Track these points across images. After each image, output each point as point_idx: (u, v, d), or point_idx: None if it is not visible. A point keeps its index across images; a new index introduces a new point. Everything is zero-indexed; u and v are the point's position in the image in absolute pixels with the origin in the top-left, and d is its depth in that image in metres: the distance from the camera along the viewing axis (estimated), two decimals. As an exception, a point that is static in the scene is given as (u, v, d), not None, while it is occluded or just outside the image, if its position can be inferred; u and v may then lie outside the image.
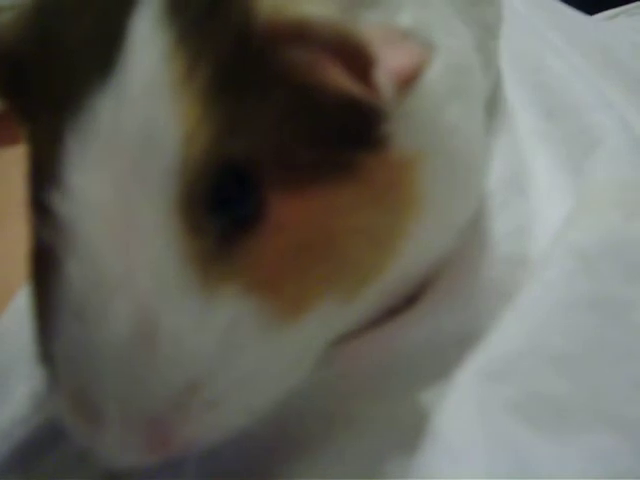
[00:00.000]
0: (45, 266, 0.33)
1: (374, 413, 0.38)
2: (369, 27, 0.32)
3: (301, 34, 0.32)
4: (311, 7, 0.32)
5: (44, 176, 0.32)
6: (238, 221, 0.32)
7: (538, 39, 0.59)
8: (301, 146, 0.33)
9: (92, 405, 0.32)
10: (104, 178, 0.31)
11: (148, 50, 0.31)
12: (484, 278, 0.42)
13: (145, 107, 0.31)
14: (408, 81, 0.32)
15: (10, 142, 0.55)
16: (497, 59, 0.50)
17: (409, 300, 0.42)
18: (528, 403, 0.34)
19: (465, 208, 0.42)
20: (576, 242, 0.39)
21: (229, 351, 0.32)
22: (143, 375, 0.31)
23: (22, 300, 0.43)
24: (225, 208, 0.32)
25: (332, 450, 0.37)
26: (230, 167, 0.32)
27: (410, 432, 0.36)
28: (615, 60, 0.56)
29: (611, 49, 0.58)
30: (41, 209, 0.32)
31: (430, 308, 0.41)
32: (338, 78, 0.33)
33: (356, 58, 0.32)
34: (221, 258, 0.32)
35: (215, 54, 0.32)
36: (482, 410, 0.34)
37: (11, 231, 0.40)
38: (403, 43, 0.33)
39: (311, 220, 0.34)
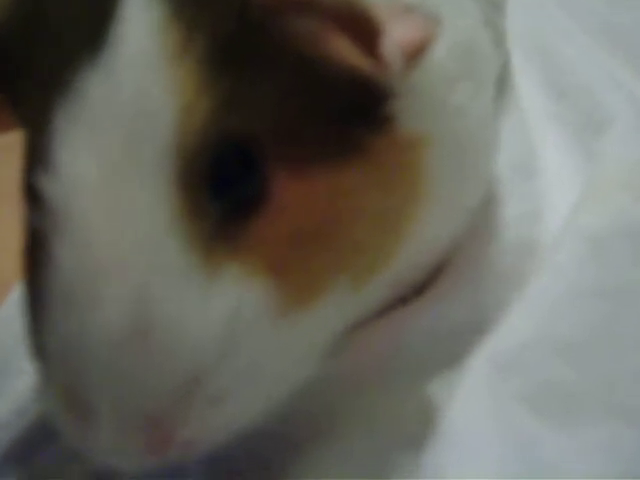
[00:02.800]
0: (37, 254, 0.31)
1: (382, 407, 0.37)
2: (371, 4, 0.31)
3: (305, 3, 0.31)
4: None
5: (35, 159, 0.31)
6: (240, 200, 0.31)
7: (544, 18, 0.59)
8: (305, 122, 0.32)
9: (84, 402, 0.30)
10: (95, 155, 0.30)
11: (141, 21, 0.30)
12: (493, 265, 0.41)
13: (138, 80, 0.30)
14: (414, 54, 0.31)
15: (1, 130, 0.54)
16: (505, 37, 0.49)
17: (419, 289, 0.41)
18: (537, 394, 0.34)
19: (474, 191, 0.41)
20: (586, 226, 0.39)
21: (233, 340, 0.30)
22: (139, 369, 0.29)
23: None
24: (226, 186, 0.31)
25: (340, 446, 0.36)
26: (231, 142, 0.31)
27: (419, 426, 0.35)
28: (624, 39, 0.55)
29: (619, 28, 0.57)
30: (32, 194, 0.31)
31: (439, 297, 0.40)
32: (343, 50, 0.31)
33: (362, 29, 0.31)
34: (223, 239, 0.31)
35: (213, 25, 0.31)
36: (492, 401, 0.34)
37: (8, 219, 0.40)
38: (408, 16, 0.31)
39: (316, 201, 0.33)
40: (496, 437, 0.33)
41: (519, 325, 0.36)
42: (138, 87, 0.30)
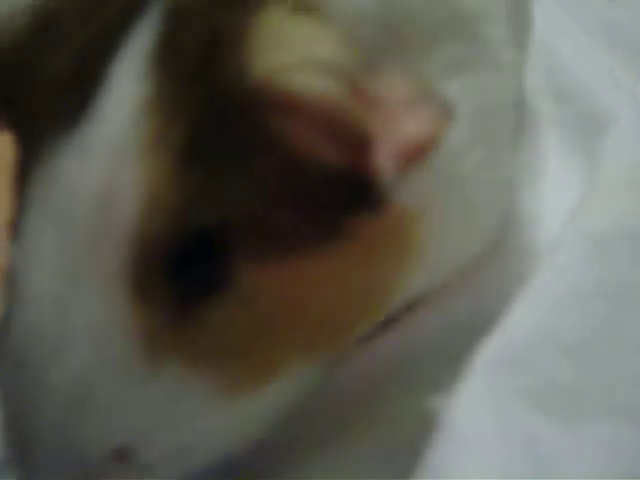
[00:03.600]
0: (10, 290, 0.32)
1: (385, 412, 0.37)
2: (384, 87, 0.30)
3: (291, 107, 0.30)
4: (308, 78, 0.29)
5: (17, 202, 0.32)
6: (199, 288, 0.31)
7: (542, 16, 0.59)
8: (283, 214, 0.31)
9: (27, 450, 0.31)
10: (56, 235, 0.30)
11: (124, 101, 0.30)
12: (496, 268, 0.41)
13: (109, 164, 0.30)
14: (418, 153, 0.30)
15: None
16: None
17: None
18: (541, 391, 0.34)
19: (472, 247, 0.40)
20: (588, 226, 0.39)
21: (169, 421, 0.31)
22: (72, 437, 0.30)
23: None
24: (184, 273, 0.30)
25: (341, 452, 0.36)
26: (196, 235, 0.30)
27: (423, 428, 0.35)
28: (624, 38, 0.55)
29: (619, 27, 0.57)
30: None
31: (443, 305, 0.41)
32: (330, 155, 0.30)
33: (352, 137, 0.30)
34: (174, 327, 0.30)
35: (194, 116, 0.30)
36: (496, 399, 0.34)
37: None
38: (419, 107, 0.30)
39: (287, 289, 0.32)
40: (499, 436, 0.33)
41: (522, 324, 0.36)
42: (108, 172, 0.30)
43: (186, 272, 0.30)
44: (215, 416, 0.31)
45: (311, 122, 0.30)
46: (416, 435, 0.35)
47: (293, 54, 0.30)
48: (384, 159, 0.29)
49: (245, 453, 0.33)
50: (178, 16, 0.31)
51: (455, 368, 0.36)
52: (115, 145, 0.30)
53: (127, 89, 0.30)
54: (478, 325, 0.38)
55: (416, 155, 0.30)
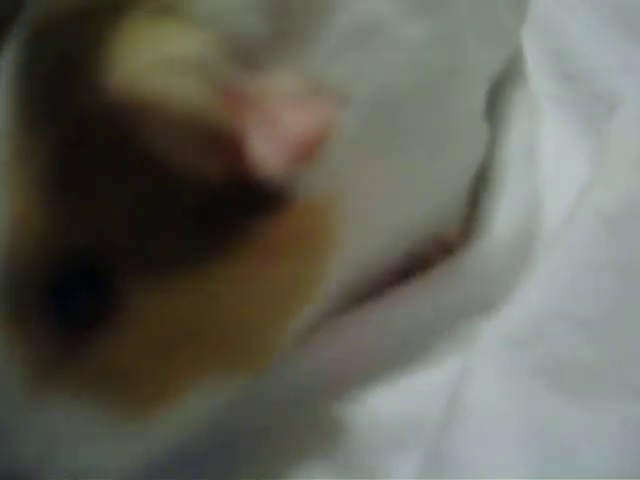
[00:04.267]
0: None
1: (304, 422, 0.36)
2: (263, 83, 0.29)
3: (151, 113, 0.28)
4: (166, 80, 0.28)
5: None
6: (84, 316, 0.29)
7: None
8: (166, 231, 0.29)
9: None
10: None
11: None
12: (493, 253, 0.40)
13: None
14: (311, 146, 0.28)
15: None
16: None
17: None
18: (555, 369, 0.34)
19: (430, 211, 0.38)
20: (597, 205, 0.39)
21: (62, 447, 0.30)
22: None
23: None
24: (66, 302, 0.29)
25: (267, 465, 0.35)
26: (72, 257, 0.29)
27: (338, 436, 0.35)
28: (634, 19, 0.55)
29: (630, 7, 0.56)
30: None
31: (427, 286, 0.39)
32: (204, 161, 0.29)
33: (222, 139, 0.28)
34: (60, 355, 0.29)
35: (56, 136, 0.28)
36: (509, 377, 0.34)
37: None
38: (305, 100, 0.29)
39: (184, 307, 0.30)
40: (513, 415, 0.33)
41: (535, 300, 0.36)
42: None
43: (68, 300, 0.29)
44: (116, 439, 0.30)
45: (175, 127, 0.28)
46: (332, 444, 0.35)
47: (150, 58, 0.28)
48: (266, 157, 0.27)
49: (168, 466, 0.33)
50: (37, 39, 0.30)
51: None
52: None
53: None
54: (479, 308, 0.38)
55: (309, 148, 0.28)
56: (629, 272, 0.37)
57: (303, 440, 0.36)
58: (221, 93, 0.28)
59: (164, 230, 0.29)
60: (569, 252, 0.38)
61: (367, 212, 0.34)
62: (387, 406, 0.37)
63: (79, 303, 0.29)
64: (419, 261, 0.40)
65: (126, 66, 0.28)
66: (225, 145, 0.28)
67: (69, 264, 0.29)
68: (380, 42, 0.34)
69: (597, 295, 0.36)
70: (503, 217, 0.41)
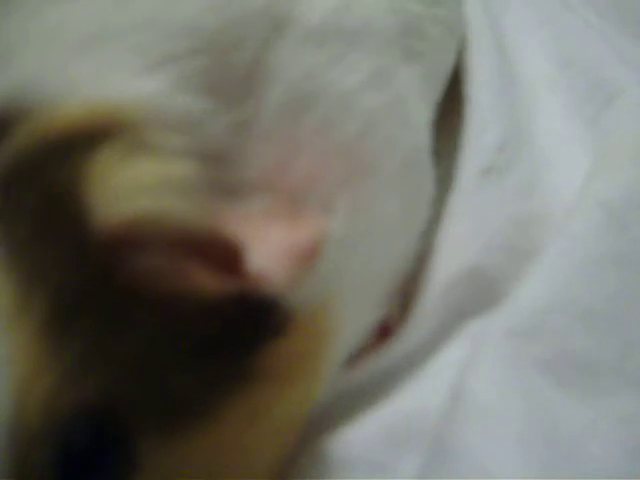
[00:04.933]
0: None
1: None
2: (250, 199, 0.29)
3: (139, 236, 0.27)
4: (162, 202, 0.28)
5: None
6: None
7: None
8: (177, 373, 0.28)
9: None
10: None
11: None
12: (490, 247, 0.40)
13: None
14: (306, 257, 0.28)
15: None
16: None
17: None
18: (558, 362, 0.34)
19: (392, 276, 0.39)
20: (600, 195, 0.38)
21: None
22: None
23: None
24: (81, 470, 0.27)
25: None
26: (82, 418, 0.27)
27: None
28: (634, 17, 0.55)
29: (630, 5, 0.56)
30: None
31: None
32: (202, 278, 0.28)
33: (216, 250, 0.28)
34: None
35: (51, 280, 0.27)
36: (512, 369, 0.33)
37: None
38: (294, 217, 0.29)
39: (201, 457, 0.29)
40: (516, 408, 0.32)
41: (538, 292, 0.36)
42: None
43: (81, 470, 0.27)
44: None
45: (173, 248, 0.28)
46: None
47: (134, 188, 0.28)
48: (266, 269, 0.28)
49: None
50: (12, 179, 0.29)
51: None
52: None
53: None
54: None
55: (306, 257, 0.28)
56: (632, 264, 0.36)
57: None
58: (210, 211, 0.28)
59: (174, 373, 0.28)
60: (572, 244, 0.37)
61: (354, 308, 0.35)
62: (388, 402, 0.36)
63: (93, 469, 0.27)
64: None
65: (111, 201, 0.27)
66: (223, 260, 0.28)
67: (80, 426, 0.27)
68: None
69: (600, 287, 0.35)
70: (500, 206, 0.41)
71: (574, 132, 0.45)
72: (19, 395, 0.26)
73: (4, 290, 0.27)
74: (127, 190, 0.27)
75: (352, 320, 0.35)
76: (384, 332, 0.40)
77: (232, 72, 0.32)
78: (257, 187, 0.31)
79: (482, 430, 0.32)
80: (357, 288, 0.36)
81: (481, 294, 0.38)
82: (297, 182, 0.33)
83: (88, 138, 0.29)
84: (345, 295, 0.34)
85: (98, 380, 0.27)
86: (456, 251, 0.40)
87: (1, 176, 0.29)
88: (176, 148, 0.29)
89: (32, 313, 0.26)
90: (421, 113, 0.40)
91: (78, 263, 0.27)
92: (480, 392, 0.33)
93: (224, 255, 0.28)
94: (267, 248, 0.28)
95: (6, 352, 0.26)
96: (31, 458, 0.26)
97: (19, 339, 0.26)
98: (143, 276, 0.27)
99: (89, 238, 0.27)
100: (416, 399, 0.36)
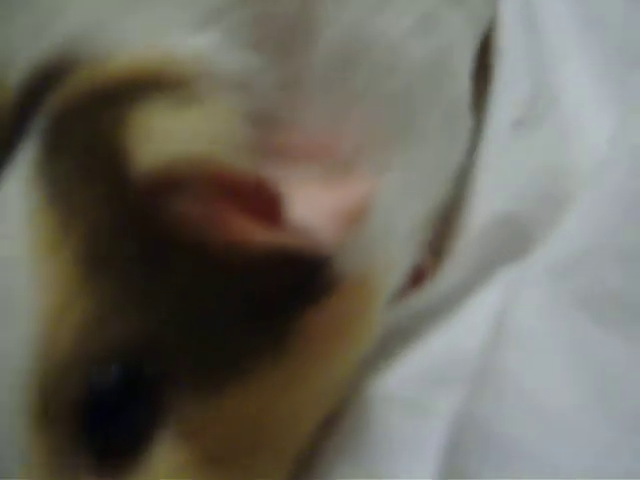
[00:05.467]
0: None
1: None
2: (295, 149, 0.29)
3: (178, 180, 0.27)
4: (207, 151, 0.27)
5: None
6: (119, 437, 0.27)
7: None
8: (214, 326, 0.28)
9: None
10: None
11: (10, 212, 0.28)
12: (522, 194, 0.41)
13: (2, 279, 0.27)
14: (353, 218, 0.28)
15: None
16: None
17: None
18: (597, 299, 0.34)
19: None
20: (631, 143, 0.38)
21: None
22: None
23: None
24: (100, 421, 0.27)
25: None
26: (111, 361, 0.27)
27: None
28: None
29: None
30: None
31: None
32: (244, 228, 0.28)
33: (259, 201, 0.27)
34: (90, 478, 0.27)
35: (88, 220, 0.27)
36: (554, 304, 0.34)
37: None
38: (343, 177, 0.29)
39: (231, 423, 0.28)
40: (558, 342, 0.33)
41: (574, 235, 0.36)
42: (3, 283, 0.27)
43: (106, 417, 0.27)
44: None
45: (215, 197, 0.27)
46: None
47: (178, 137, 0.28)
48: (313, 226, 0.27)
49: None
50: (60, 124, 0.29)
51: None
52: (7, 255, 0.27)
53: (15, 200, 0.28)
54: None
55: (353, 217, 0.28)
56: None
57: None
58: (255, 164, 0.28)
59: (213, 325, 0.28)
60: (605, 190, 0.37)
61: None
62: (426, 343, 0.37)
63: (116, 419, 0.27)
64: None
65: (154, 146, 0.27)
66: (267, 213, 0.27)
67: (107, 366, 0.27)
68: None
69: (635, 230, 0.36)
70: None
71: (602, 90, 0.46)
72: (49, 326, 0.26)
73: (43, 223, 0.27)
74: (170, 137, 0.28)
75: (395, 276, 0.35)
76: (418, 277, 0.40)
77: (278, 25, 0.32)
78: (304, 148, 0.30)
79: (527, 359, 0.32)
80: (400, 243, 0.35)
81: (514, 241, 0.39)
82: (345, 142, 0.32)
83: (136, 88, 0.29)
84: (390, 254, 0.34)
85: (131, 323, 0.27)
86: (489, 198, 0.40)
87: (52, 119, 0.29)
88: (224, 105, 0.29)
89: (68, 248, 0.27)
90: (465, 62, 0.40)
91: (117, 204, 0.27)
92: (523, 325, 0.33)
93: (268, 207, 0.27)
94: (314, 206, 0.27)
95: (40, 282, 0.26)
96: (58, 393, 0.26)
97: (53, 271, 0.27)
98: (183, 221, 0.27)
99: (129, 181, 0.27)
100: (453, 339, 0.37)
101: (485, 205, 0.40)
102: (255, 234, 0.27)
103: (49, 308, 0.26)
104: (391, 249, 0.34)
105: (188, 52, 0.30)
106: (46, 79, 0.30)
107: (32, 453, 0.26)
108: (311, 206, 0.27)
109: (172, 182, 0.27)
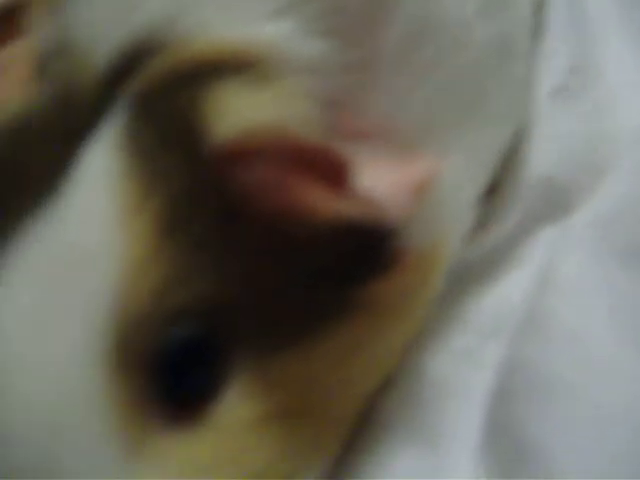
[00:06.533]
0: None
1: None
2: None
3: (252, 151, 0.28)
4: (269, 118, 0.29)
5: None
6: (189, 389, 0.28)
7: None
8: (282, 291, 0.29)
9: None
10: (31, 307, 0.28)
11: (95, 175, 0.29)
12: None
13: (84, 234, 0.28)
14: (420, 191, 0.29)
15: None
16: None
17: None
18: (632, 253, 0.36)
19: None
20: None
21: None
22: None
23: None
24: (172, 372, 0.28)
25: None
26: (182, 319, 0.28)
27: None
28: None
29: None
30: None
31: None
32: (313, 197, 0.29)
33: (330, 170, 0.28)
34: (161, 430, 0.28)
35: (168, 186, 0.29)
36: (594, 259, 0.36)
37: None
38: (409, 157, 0.30)
39: (293, 383, 0.29)
40: (604, 288, 0.35)
41: (614, 195, 0.39)
42: (84, 245, 0.28)
43: (175, 373, 0.28)
44: None
45: (286, 166, 0.28)
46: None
47: (256, 111, 0.29)
48: (380, 200, 0.28)
49: None
50: (144, 99, 0.31)
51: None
52: (89, 214, 0.29)
53: (102, 164, 0.29)
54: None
55: (418, 191, 0.29)
56: None
57: None
58: (325, 139, 0.29)
59: (280, 291, 0.29)
60: None
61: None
62: (471, 297, 0.39)
63: (184, 374, 0.28)
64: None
65: (229, 120, 0.29)
66: (336, 183, 0.28)
67: (180, 328, 0.28)
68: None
69: None
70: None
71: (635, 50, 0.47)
72: (129, 280, 0.28)
73: (127, 186, 0.29)
74: (244, 112, 0.29)
75: (454, 249, 0.36)
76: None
77: (349, 14, 0.33)
78: (371, 130, 0.32)
79: (571, 303, 0.35)
80: (460, 218, 0.37)
81: (556, 203, 0.41)
82: (410, 122, 0.34)
83: (214, 70, 0.31)
84: (451, 229, 0.36)
85: (204, 284, 0.28)
86: (534, 163, 0.42)
87: (137, 96, 0.32)
88: (296, 87, 0.31)
89: (149, 210, 0.28)
90: (525, 42, 0.42)
91: (195, 173, 0.29)
92: (566, 275, 0.36)
93: (337, 177, 0.28)
94: (381, 179, 0.29)
95: (123, 240, 0.28)
96: (134, 343, 0.28)
97: (135, 230, 0.28)
98: (255, 190, 0.29)
99: (206, 151, 0.29)
100: (501, 292, 0.39)
101: (531, 169, 0.42)
102: (324, 203, 0.29)
103: (130, 264, 0.28)
104: (452, 224, 0.36)
105: (264, 38, 0.32)
106: (131, 60, 0.32)
107: (107, 398, 0.27)
108: (378, 179, 0.29)
109: (246, 152, 0.29)
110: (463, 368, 0.36)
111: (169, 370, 0.28)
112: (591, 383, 0.32)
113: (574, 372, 0.32)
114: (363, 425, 0.35)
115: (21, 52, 0.39)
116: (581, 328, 0.34)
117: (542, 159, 0.42)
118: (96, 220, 0.28)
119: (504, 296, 0.39)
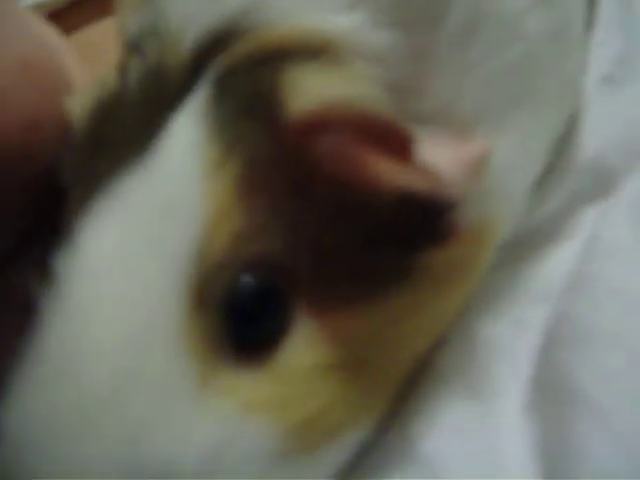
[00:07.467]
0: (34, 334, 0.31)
1: None
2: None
3: (327, 119, 0.30)
4: (342, 87, 0.31)
5: (60, 244, 0.32)
6: (257, 333, 0.31)
7: None
8: (347, 253, 0.31)
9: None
10: (115, 246, 0.30)
11: (183, 137, 0.32)
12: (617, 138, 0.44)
13: (170, 189, 0.31)
14: (475, 168, 0.31)
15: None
16: None
17: None
18: None
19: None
20: None
21: (219, 466, 0.29)
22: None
23: None
24: (244, 317, 0.30)
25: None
26: (254, 269, 0.30)
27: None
28: None
29: None
30: (47, 272, 0.31)
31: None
32: (384, 168, 0.31)
33: (396, 142, 0.30)
34: (230, 368, 0.30)
35: (249, 149, 0.31)
36: (635, 230, 0.38)
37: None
38: (465, 140, 0.32)
39: (352, 337, 0.32)
40: None
41: None
42: (169, 197, 0.31)
43: (244, 316, 0.30)
44: (263, 472, 0.30)
45: (352, 132, 0.30)
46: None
47: (326, 89, 0.31)
48: (444, 174, 0.30)
49: None
50: (227, 76, 0.34)
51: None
52: (175, 174, 0.31)
53: (188, 130, 0.32)
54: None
55: (474, 168, 0.31)
56: None
57: None
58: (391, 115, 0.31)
59: (343, 252, 0.31)
60: None
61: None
62: (516, 270, 0.41)
63: (253, 319, 0.31)
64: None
65: (304, 95, 0.31)
66: (399, 155, 0.30)
67: (250, 278, 0.30)
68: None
69: None
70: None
71: None
72: (208, 231, 0.30)
73: (210, 147, 0.32)
74: (319, 88, 0.32)
75: (507, 227, 0.38)
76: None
77: (413, 7, 0.36)
78: (431, 113, 0.34)
79: (617, 264, 0.37)
80: (514, 198, 0.39)
81: (602, 183, 0.43)
82: (466, 106, 0.36)
83: (291, 53, 0.34)
84: (505, 207, 0.38)
85: (274, 241, 0.31)
86: (583, 146, 0.44)
87: (221, 73, 0.35)
88: (366, 74, 0.34)
89: (229, 170, 0.31)
90: (578, 32, 0.43)
91: (273, 140, 0.32)
92: (611, 243, 0.38)
93: (402, 150, 0.30)
94: (441, 157, 0.31)
95: (204, 195, 0.31)
96: (211, 285, 0.30)
97: (216, 187, 0.31)
98: (327, 159, 0.31)
99: (284, 122, 0.31)
100: (548, 262, 0.41)
101: (581, 152, 0.44)
102: (390, 174, 0.31)
103: (210, 217, 0.30)
104: (506, 202, 0.38)
105: (337, 28, 0.34)
106: (217, 42, 0.35)
107: (184, 335, 0.29)
108: (438, 156, 0.31)
109: (320, 124, 0.31)
110: (513, 330, 0.38)
111: (241, 313, 0.30)
112: (636, 335, 0.34)
113: (619, 324, 0.34)
114: (416, 381, 0.37)
115: (113, 31, 0.42)
116: (627, 286, 0.35)
117: (590, 143, 0.44)
118: (182, 176, 0.31)
119: (553, 264, 0.41)
